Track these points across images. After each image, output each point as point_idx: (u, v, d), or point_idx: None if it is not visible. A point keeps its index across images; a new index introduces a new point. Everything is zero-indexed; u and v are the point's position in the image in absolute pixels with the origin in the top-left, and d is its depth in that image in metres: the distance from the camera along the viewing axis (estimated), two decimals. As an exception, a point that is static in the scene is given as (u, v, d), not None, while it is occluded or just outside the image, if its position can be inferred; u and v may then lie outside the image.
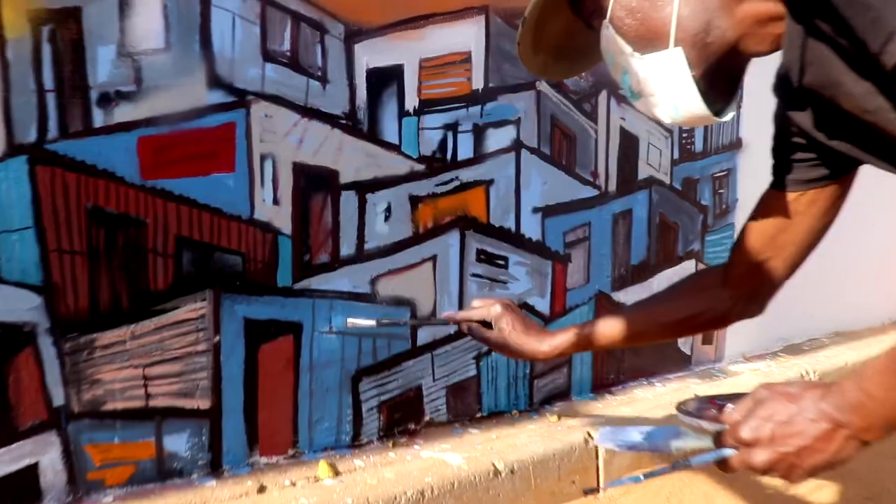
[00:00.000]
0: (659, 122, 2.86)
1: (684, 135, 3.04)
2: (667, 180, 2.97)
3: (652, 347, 2.96)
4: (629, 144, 2.80)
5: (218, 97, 1.78)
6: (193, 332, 1.79)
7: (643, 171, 2.86)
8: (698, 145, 3.11)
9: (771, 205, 1.22)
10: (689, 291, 1.41)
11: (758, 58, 1.05)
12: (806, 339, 3.78)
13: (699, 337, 3.23)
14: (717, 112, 1.01)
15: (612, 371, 2.83)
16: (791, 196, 1.19)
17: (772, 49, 1.01)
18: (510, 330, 1.43)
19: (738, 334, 3.27)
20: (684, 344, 3.17)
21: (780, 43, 0.97)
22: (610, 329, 1.44)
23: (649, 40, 0.98)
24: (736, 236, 1.32)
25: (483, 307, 1.46)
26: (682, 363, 3.14)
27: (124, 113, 1.65)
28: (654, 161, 2.91)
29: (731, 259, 1.33)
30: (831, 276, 3.40)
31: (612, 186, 2.74)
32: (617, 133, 2.75)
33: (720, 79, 1.01)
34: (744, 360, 3.36)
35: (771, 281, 1.30)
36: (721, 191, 3.23)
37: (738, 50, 0.99)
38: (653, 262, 2.94)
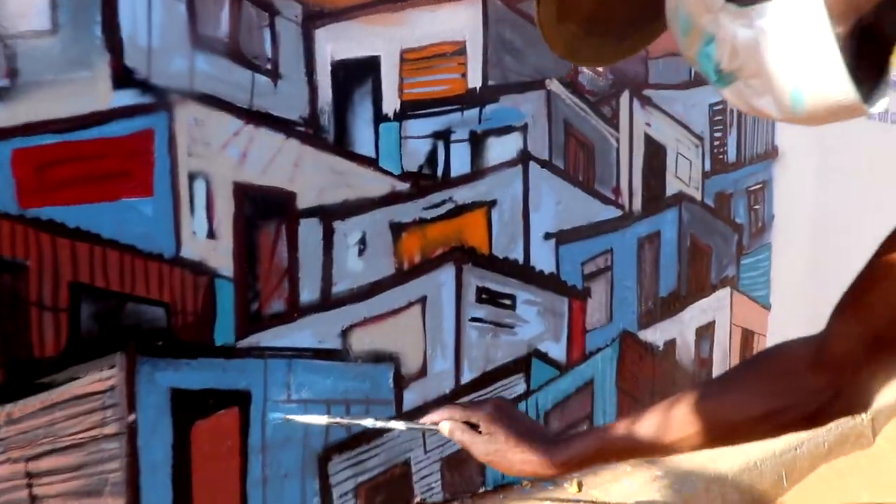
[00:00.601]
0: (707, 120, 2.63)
1: (716, 143, 2.82)
2: (698, 196, 2.75)
3: (678, 385, 2.71)
4: (656, 155, 2.57)
5: (129, 97, 1.48)
6: (99, 409, 1.47)
7: (672, 186, 2.64)
8: (731, 154, 2.90)
9: None
10: (765, 377, 1.08)
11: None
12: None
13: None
14: (865, 97, 0.65)
15: (639, 424, 2.54)
16: None
17: None
18: (506, 436, 1.16)
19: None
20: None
21: None
22: (651, 432, 1.10)
23: None
24: (839, 299, 0.99)
25: (469, 407, 1.23)
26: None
27: (-7, 117, 1.34)
28: (684, 174, 2.69)
29: (832, 330, 0.99)
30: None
31: (637, 205, 2.51)
32: (642, 141, 2.52)
33: (871, 44, 0.68)
34: (786, 400, 3.09)
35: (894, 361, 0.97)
36: (756, 206, 3.05)
37: None
38: (683, 293, 2.71)
